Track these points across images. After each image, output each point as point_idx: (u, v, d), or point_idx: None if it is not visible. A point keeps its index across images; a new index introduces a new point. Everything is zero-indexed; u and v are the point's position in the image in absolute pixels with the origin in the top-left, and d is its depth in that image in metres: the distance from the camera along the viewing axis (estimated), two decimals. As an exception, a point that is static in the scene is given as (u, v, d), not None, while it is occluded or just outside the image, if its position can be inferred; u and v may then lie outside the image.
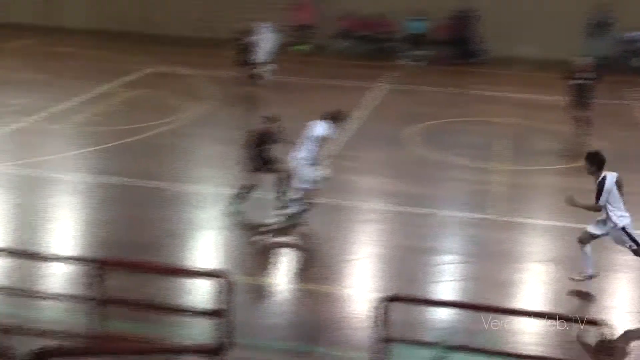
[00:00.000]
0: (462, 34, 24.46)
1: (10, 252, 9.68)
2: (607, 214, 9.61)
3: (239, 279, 9.34)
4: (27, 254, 9.22)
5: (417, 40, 24.42)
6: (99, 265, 6.99)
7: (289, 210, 11.71)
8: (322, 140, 11.61)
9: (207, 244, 11.46)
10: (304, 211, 11.69)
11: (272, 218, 11.70)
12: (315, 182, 11.69)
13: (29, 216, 11.87)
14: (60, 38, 25.73)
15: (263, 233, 11.36)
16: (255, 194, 12.16)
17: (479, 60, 24.27)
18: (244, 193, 12.09)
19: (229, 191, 12.29)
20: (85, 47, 24.50)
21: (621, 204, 9.62)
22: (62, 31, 26.64)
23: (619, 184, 9.63)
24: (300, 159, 11.58)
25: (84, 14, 27.45)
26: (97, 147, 15.09)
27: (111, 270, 7.07)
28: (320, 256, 10.99)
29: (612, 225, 9.63)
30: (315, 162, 11.67)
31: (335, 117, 11.77)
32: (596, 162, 9.68)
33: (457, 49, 24.54)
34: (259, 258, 10.81)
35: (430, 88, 21.06)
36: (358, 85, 20.87)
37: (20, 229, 11.46)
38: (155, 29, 26.60)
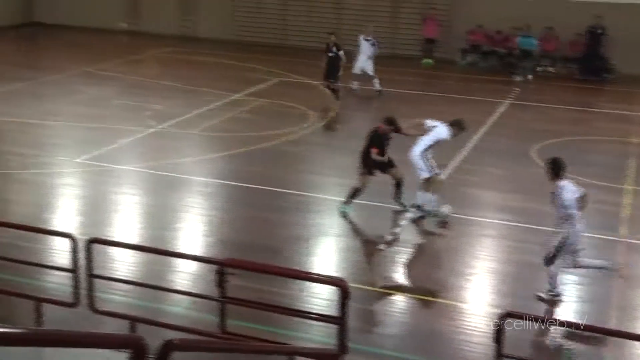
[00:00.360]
0: (591, 50, 23.63)
1: (141, 248, 10.12)
2: None
3: (356, 286, 9.39)
4: (157, 251, 9.60)
5: (527, 55, 23.71)
6: (222, 265, 7.20)
7: (412, 214, 11.98)
8: (439, 141, 12.06)
9: (326, 250, 11.59)
10: (428, 213, 12.02)
11: (399, 224, 11.71)
12: (432, 169, 12.17)
13: (160, 215, 12.37)
14: (195, 47, 26.71)
15: (388, 242, 11.36)
16: (378, 201, 12.18)
17: (607, 78, 23.39)
18: (354, 195, 12.28)
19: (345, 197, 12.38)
20: (218, 56, 25.32)
21: None
22: (197, 41, 27.66)
23: None
24: (416, 154, 12.03)
25: (218, 25, 28.40)
26: (225, 153, 15.55)
27: (234, 271, 7.26)
28: (438, 268, 10.89)
29: None
30: (427, 160, 12.12)
31: (456, 124, 12.12)
32: None
33: (584, 66, 23.73)
34: (378, 266, 10.82)
35: (554, 105, 20.45)
36: (481, 100, 20.57)
37: (151, 226, 11.97)
38: (287, 40, 27.20)
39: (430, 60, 25.30)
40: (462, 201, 12.99)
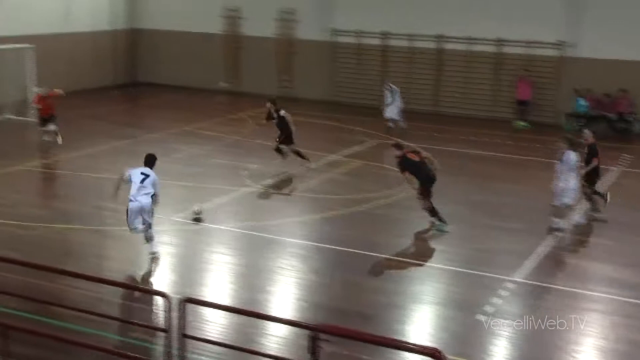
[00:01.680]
0: None
1: (234, 310, 10.18)
2: None
3: (453, 358, 9.15)
4: (249, 313, 9.64)
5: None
6: (315, 331, 7.16)
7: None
8: (575, 167, 14.27)
9: (422, 318, 11.37)
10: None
11: (498, 293, 11.40)
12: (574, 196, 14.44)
13: (253, 276, 12.47)
14: (294, 107, 27.15)
15: (488, 313, 11.07)
16: (478, 269, 11.91)
17: None
18: (435, 212, 14.37)
19: (446, 267, 12.17)
20: (316, 117, 25.72)
21: None
22: (295, 101, 28.20)
23: None
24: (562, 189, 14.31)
25: (317, 85, 28.96)
26: (321, 215, 15.63)
27: (327, 337, 7.20)
28: (539, 344, 10.49)
29: None
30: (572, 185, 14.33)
31: (574, 143, 14.58)
32: None
33: None
34: (476, 338, 10.53)
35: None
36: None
37: (244, 288, 12.06)
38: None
39: (524, 123, 25.04)
40: (569, 273, 12.56)
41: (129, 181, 12.66)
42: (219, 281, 12.43)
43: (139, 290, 10.63)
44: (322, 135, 23.36)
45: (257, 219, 15.23)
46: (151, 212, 12.78)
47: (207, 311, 10.31)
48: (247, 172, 18.65)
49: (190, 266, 12.90)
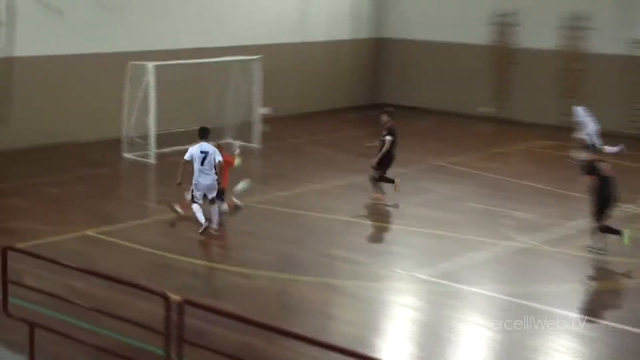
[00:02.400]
0: None
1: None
2: None
3: None
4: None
5: None
6: None
7: None
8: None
9: None
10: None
11: None
12: None
13: (512, 356, 12.24)
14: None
15: None
16: None
17: None
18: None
19: None
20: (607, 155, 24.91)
21: None
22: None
23: None
24: None
25: (612, 115, 28.04)
26: (608, 283, 15.11)
27: None
28: None
29: None
30: None
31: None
32: None
33: None
34: None
35: None
36: None
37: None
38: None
39: None
40: None
41: (194, 161, 16.59)
42: (468, 357, 12.34)
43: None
44: (621, 178, 22.53)
45: (523, 282, 14.98)
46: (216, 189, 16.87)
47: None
48: (511, 221, 18.45)
49: (433, 335, 12.91)
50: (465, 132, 28.78)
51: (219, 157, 16.76)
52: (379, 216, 19.22)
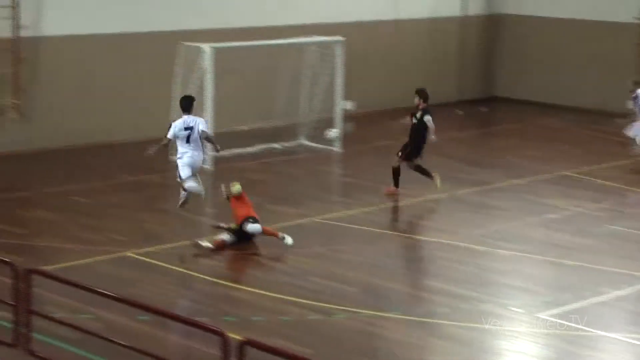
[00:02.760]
0: None
1: None
2: None
3: None
4: None
5: None
6: None
7: None
8: None
9: None
10: None
11: None
12: None
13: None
14: None
15: None
16: None
17: None
18: None
19: None
20: None
21: None
22: None
23: None
24: None
25: None
26: None
27: None
28: None
29: None
30: None
31: None
32: None
33: None
34: None
35: None
36: None
37: None
38: None
39: None
40: None
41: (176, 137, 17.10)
42: None
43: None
44: None
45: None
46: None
47: None
48: None
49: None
50: (601, 135, 28.44)
51: (202, 126, 17.31)
52: (489, 239, 19.02)
